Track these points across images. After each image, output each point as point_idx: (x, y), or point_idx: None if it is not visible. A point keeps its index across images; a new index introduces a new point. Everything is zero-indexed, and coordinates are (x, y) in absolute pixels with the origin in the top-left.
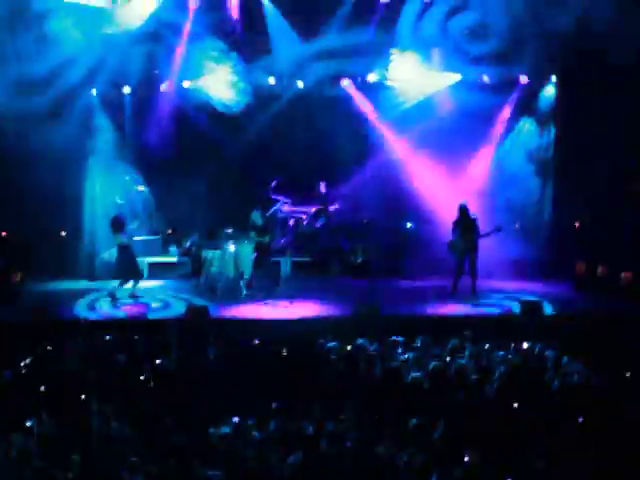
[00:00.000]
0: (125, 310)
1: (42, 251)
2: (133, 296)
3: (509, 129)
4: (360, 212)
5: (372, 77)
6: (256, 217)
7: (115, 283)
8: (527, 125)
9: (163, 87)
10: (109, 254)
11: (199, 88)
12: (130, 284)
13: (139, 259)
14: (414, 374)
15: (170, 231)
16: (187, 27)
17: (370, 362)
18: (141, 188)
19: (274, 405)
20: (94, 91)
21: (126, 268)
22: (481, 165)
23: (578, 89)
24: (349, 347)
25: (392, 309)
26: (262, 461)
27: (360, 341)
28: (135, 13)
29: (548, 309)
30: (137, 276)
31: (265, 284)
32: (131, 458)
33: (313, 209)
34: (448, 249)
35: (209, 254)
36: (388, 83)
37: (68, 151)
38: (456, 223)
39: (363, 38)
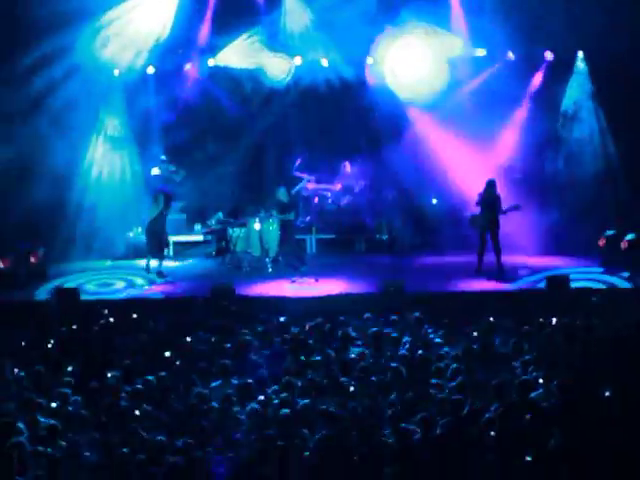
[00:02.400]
0: (151, 290)
1: (65, 230)
2: (161, 273)
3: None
4: (385, 189)
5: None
6: (281, 195)
7: (142, 262)
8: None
9: (187, 67)
10: (135, 233)
11: (225, 65)
12: (156, 261)
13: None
14: None
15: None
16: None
17: None
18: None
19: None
20: (116, 72)
21: (161, 242)
22: (508, 141)
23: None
24: None
25: (417, 286)
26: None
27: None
28: None
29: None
30: (163, 253)
31: (291, 262)
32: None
33: (338, 187)
34: (469, 224)
35: (234, 232)
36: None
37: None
38: (480, 197)
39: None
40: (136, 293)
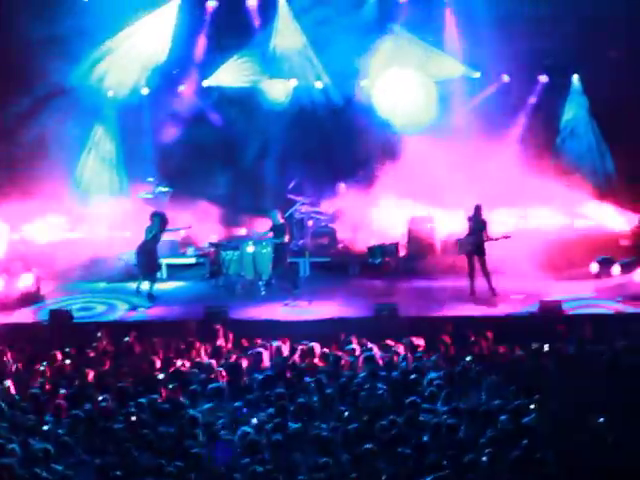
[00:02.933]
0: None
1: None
2: (151, 296)
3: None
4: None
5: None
6: (273, 218)
7: (134, 285)
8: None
9: (182, 87)
10: (128, 256)
11: (219, 86)
12: (147, 284)
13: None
14: None
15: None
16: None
17: None
18: (164, 189)
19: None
20: (111, 92)
21: (152, 265)
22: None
23: None
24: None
25: (411, 310)
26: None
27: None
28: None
29: None
30: (155, 276)
31: (284, 285)
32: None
33: (332, 209)
34: (456, 248)
35: (227, 255)
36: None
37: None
38: (468, 221)
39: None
40: (119, 316)
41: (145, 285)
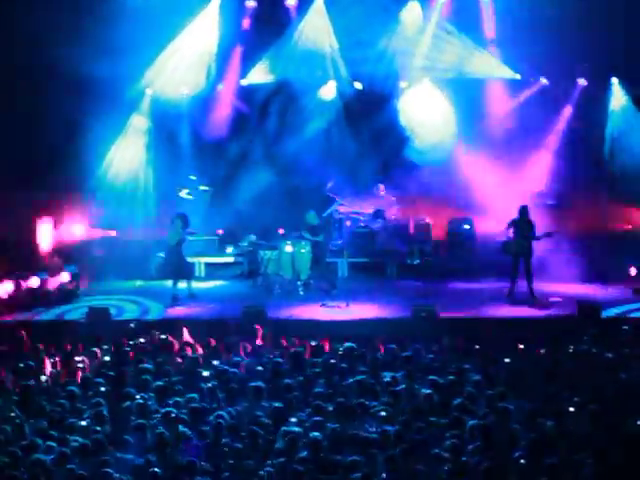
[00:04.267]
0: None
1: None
2: (192, 296)
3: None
4: (417, 214)
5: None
6: (311, 217)
7: (170, 283)
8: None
9: (220, 87)
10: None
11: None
12: (184, 283)
13: (195, 259)
14: None
15: (221, 232)
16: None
17: None
18: (205, 188)
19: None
20: (149, 91)
21: (182, 267)
22: (540, 165)
23: None
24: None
25: (449, 311)
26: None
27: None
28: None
29: None
30: (190, 275)
31: (322, 285)
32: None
33: (370, 210)
34: (502, 250)
35: (266, 255)
36: None
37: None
38: (513, 224)
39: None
40: (156, 314)
41: (182, 284)
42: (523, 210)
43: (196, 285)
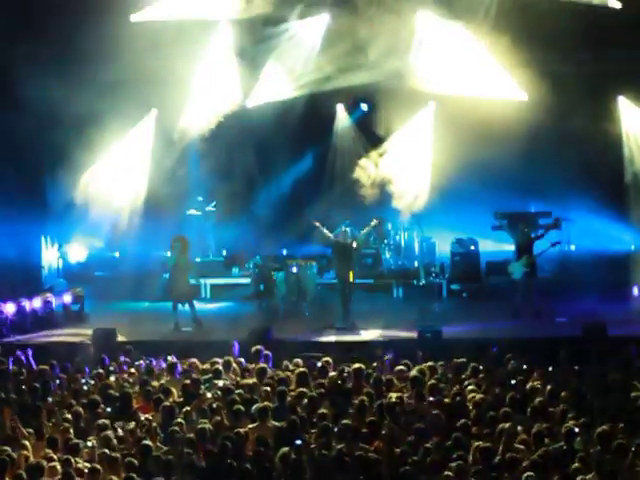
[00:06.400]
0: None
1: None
2: (195, 319)
3: None
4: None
5: None
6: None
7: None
8: None
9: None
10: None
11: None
12: (187, 305)
13: (201, 280)
14: None
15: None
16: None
17: None
18: (212, 208)
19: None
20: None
21: (181, 290)
22: None
23: None
24: None
25: (455, 332)
26: None
27: None
28: None
29: None
30: (191, 299)
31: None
32: None
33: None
34: (508, 271)
35: (272, 276)
36: None
37: None
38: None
39: None
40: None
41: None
42: (522, 228)
43: (201, 306)
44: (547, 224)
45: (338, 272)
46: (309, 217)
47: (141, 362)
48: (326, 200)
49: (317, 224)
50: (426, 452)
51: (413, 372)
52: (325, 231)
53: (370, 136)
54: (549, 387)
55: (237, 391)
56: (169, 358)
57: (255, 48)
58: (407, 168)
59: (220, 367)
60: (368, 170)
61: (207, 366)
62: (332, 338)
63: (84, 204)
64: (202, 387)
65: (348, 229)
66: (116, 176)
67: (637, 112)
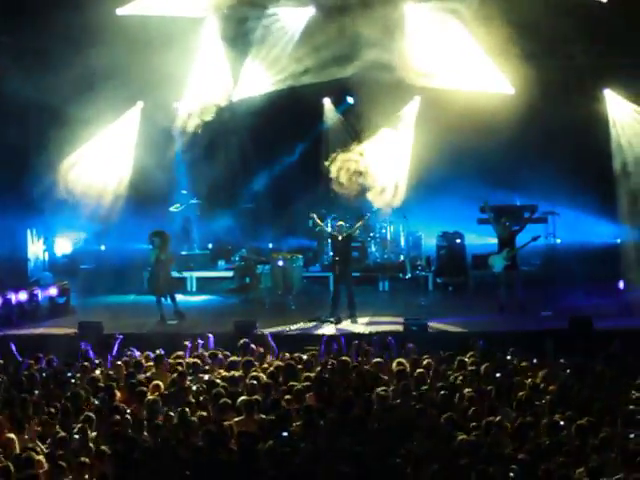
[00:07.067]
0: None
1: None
2: (179, 313)
3: None
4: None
5: None
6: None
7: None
8: None
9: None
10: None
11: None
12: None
13: (187, 274)
14: None
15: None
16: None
17: None
18: (194, 201)
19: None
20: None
21: (162, 284)
22: None
23: None
24: None
25: (440, 325)
26: None
27: None
28: None
29: None
30: (172, 292)
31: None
32: None
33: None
34: (489, 265)
35: (258, 269)
36: None
37: None
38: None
39: None
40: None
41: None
42: (504, 222)
43: (187, 299)
44: (526, 217)
45: (339, 266)
46: (301, 210)
47: (126, 355)
48: (312, 194)
49: (314, 216)
50: (413, 446)
51: (394, 365)
52: (322, 224)
53: (356, 129)
54: (535, 380)
55: (222, 384)
56: (157, 351)
57: (239, 40)
58: (389, 161)
59: (207, 360)
60: (348, 164)
61: (193, 359)
62: (317, 331)
63: (69, 197)
64: (187, 380)
65: (343, 223)
66: (101, 169)
67: (623, 105)
